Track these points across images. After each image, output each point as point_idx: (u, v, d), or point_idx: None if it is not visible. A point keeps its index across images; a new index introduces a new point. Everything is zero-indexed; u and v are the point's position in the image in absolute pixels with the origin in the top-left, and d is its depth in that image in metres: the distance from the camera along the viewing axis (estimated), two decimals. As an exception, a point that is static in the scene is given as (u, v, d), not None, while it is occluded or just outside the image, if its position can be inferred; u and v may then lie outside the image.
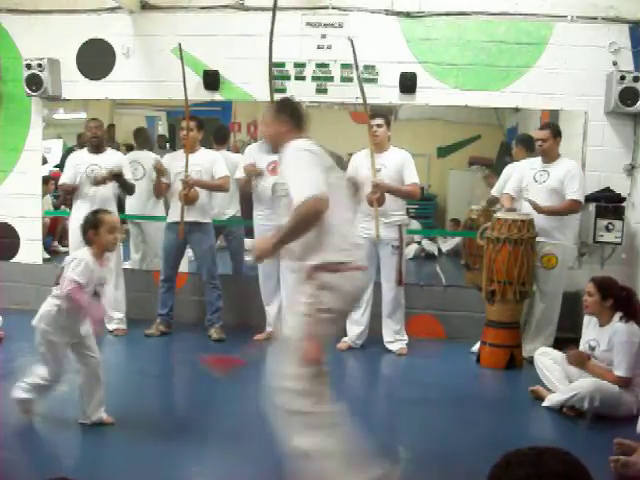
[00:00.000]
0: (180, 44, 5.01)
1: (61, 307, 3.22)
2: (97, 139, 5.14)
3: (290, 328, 2.64)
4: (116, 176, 5.02)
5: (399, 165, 4.78)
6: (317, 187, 2.52)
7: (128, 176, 5.19)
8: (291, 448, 2.55)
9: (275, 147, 2.94)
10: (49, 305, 3.26)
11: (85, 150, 5.24)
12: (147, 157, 5.77)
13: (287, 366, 2.57)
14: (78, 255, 3.29)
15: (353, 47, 4.77)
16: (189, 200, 4.98)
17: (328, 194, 2.53)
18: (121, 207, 5.61)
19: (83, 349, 3.32)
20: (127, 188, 5.21)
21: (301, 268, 2.65)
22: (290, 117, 2.88)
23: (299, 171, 2.61)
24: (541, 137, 4.71)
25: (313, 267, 2.60)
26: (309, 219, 2.53)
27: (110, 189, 5.12)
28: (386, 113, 5.02)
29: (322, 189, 2.51)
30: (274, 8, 4.31)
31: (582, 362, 3.78)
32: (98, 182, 4.99)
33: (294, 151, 2.69)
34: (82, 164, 5.10)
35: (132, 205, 5.80)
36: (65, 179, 5.14)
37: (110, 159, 5.15)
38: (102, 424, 3.30)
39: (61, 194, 5.65)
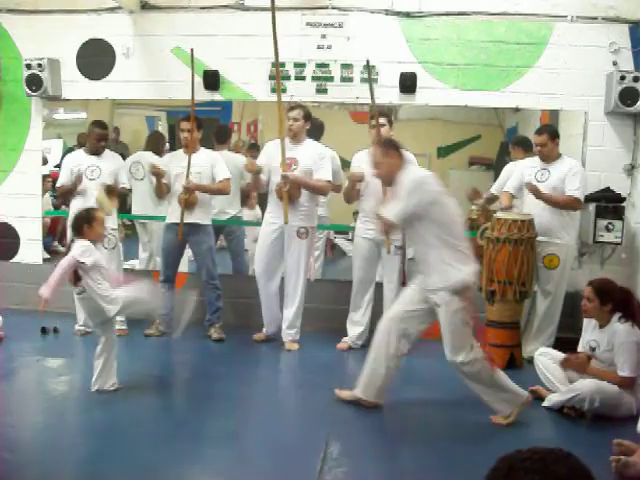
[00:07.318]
0: (192, 50, 5.01)
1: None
2: (105, 143, 5.12)
3: None
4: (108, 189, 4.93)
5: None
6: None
7: (123, 180, 5.19)
8: None
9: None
10: None
11: (82, 151, 5.20)
12: (149, 158, 5.75)
13: None
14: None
15: (368, 65, 4.93)
16: (189, 204, 4.97)
17: None
18: (125, 207, 5.64)
19: None
20: (119, 196, 5.14)
21: None
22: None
23: None
24: (539, 142, 4.70)
25: None
26: None
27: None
28: (388, 113, 5.03)
29: None
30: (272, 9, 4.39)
31: (580, 367, 3.76)
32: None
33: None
34: (80, 165, 5.06)
35: (137, 205, 5.82)
36: (63, 181, 5.11)
37: (109, 161, 5.13)
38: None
39: (59, 196, 5.62)
